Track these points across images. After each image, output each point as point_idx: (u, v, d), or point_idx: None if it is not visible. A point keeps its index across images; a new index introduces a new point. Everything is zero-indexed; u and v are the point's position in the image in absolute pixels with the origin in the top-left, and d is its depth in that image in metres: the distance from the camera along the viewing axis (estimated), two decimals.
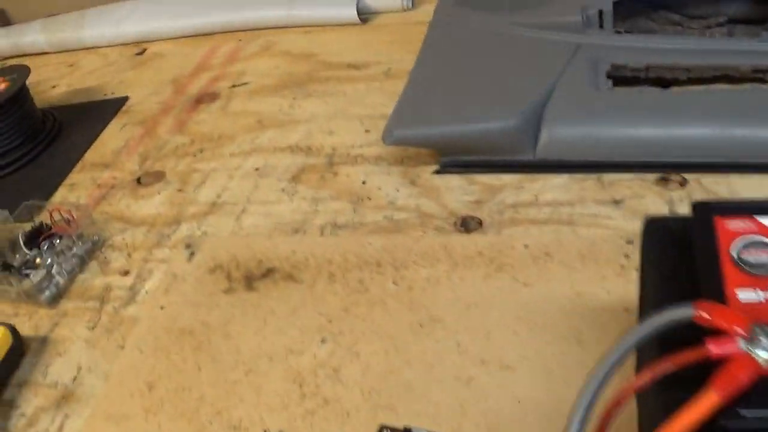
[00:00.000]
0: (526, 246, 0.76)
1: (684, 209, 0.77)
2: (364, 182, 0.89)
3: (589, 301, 0.70)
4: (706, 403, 0.38)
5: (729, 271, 0.45)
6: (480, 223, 0.80)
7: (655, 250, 0.53)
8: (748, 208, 0.49)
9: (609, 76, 0.86)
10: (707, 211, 0.49)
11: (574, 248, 0.75)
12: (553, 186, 0.82)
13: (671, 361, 0.41)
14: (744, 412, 0.38)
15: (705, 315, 0.41)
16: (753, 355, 0.39)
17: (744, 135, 0.77)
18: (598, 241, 0.75)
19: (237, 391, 0.69)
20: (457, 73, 0.93)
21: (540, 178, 0.84)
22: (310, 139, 0.99)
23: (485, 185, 0.84)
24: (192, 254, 0.84)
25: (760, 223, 0.47)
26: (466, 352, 0.68)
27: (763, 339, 0.39)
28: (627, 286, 0.70)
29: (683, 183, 0.79)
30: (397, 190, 0.86)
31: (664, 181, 0.80)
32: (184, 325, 0.76)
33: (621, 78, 0.87)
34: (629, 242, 0.74)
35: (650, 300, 0.51)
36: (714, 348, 0.40)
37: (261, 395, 0.68)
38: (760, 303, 0.43)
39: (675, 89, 0.84)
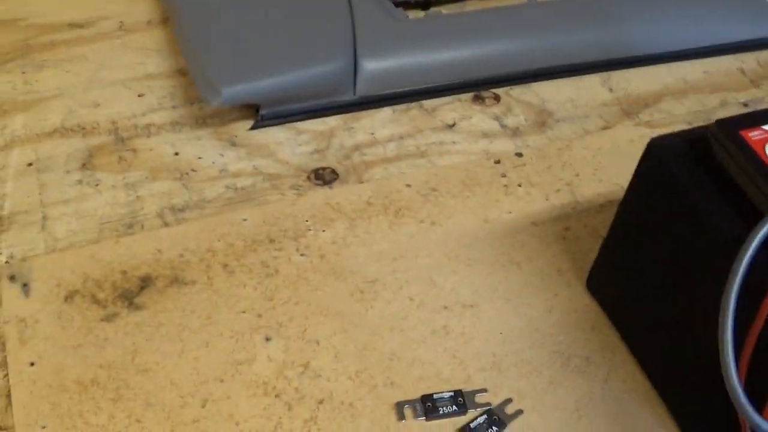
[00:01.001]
0: (408, 185, 0.75)
1: (510, 122, 0.83)
2: (176, 153, 0.77)
3: (498, 225, 0.73)
4: None
5: None
6: (334, 172, 0.76)
7: (683, 170, 0.57)
8: (760, 120, 0.56)
9: (396, 4, 0.86)
10: (732, 126, 0.55)
11: (453, 178, 0.76)
12: (382, 121, 0.81)
13: None
14: None
15: None
16: None
17: (537, 45, 0.85)
18: (470, 167, 0.77)
19: (206, 430, 0.58)
20: (248, 21, 0.84)
21: (363, 116, 0.82)
22: (76, 116, 0.81)
23: (314, 132, 0.79)
24: (25, 286, 0.65)
25: None
26: (424, 303, 0.66)
27: None
28: (520, 203, 0.75)
29: (497, 98, 0.85)
30: (222, 155, 0.76)
31: (479, 99, 0.84)
32: (77, 375, 0.60)
33: (400, 3, 0.88)
34: (497, 162, 0.78)
35: (704, 215, 0.55)
36: None
37: (240, 424, 0.58)
38: None
39: (470, 10, 0.88)
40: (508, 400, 0.62)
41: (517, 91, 0.86)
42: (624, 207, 0.64)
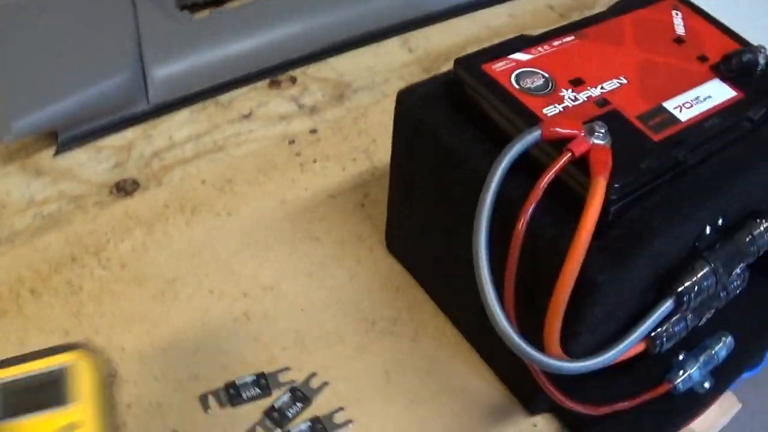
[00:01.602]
0: (203, 182, 0.77)
1: (307, 101, 0.85)
2: None
3: (296, 203, 0.75)
4: (600, 188, 0.48)
5: (526, 100, 0.55)
6: (135, 182, 0.77)
7: (431, 114, 0.59)
8: (500, 51, 0.59)
9: (181, 8, 0.87)
10: (473, 63, 0.58)
11: (248, 166, 0.78)
12: (180, 123, 0.83)
13: (548, 172, 0.49)
14: (617, 184, 0.50)
15: (551, 129, 0.51)
16: (600, 144, 0.51)
17: (327, 20, 0.87)
18: (265, 152, 0.79)
19: None
20: (29, 46, 0.83)
21: (161, 122, 0.83)
22: None
23: (114, 147, 0.80)
24: None
25: (515, 59, 0.59)
26: (224, 294, 0.69)
27: (597, 131, 0.51)
28: (317, 178, 0.77)
29: (293, 80, 0.86)
30: (28, 186, 0.77)
31: (275, 84, 0.86)
32: None
33: (187, 6, 0.89)
34: (291, 142, 0.80)
35: (453, 152, 0.58)
36: (575, 149, 0.50)
37: None
38: (566, 111, 0.55)
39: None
40: (312, 375, 0.64)
41: (314, 69, 0.88)
42: (393, 162, 0.66)
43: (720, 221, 0.57)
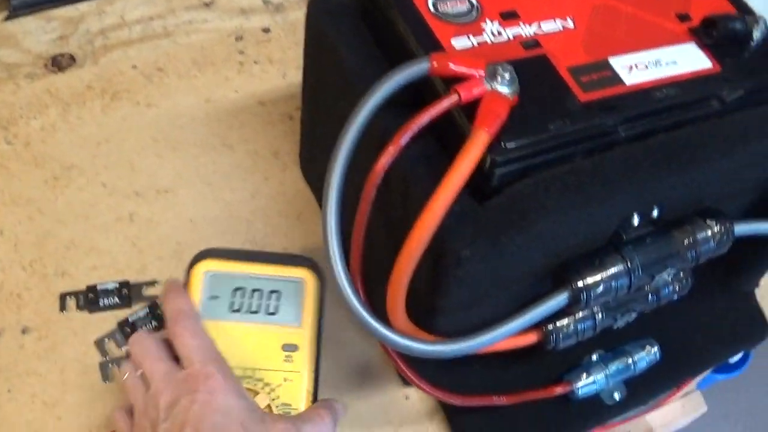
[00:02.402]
0: (134, 67, 0.72)
1: None
2: None
3: (221, 105, 0.70)
4: (477, 143, 0.40)
5: (439, 27, 0.47)
6: (72, 57, 0.73)
7: (335, 27, 0.51)
8: None
9: None
10: None
11: (185, 57, 0.73)
12: (136, 3, 0.77)
13: (425, 114, 0.41)
14: (509, 144, 0.41)
15: (442, 64, 0.42)
16: (498, 92, 0.42)
17: None
18: (208, 45, 0.73)
19: None
20: None
21: None
22: None
23: (64, 19, 0.76)
24: None
25: None
26: (116, 189, 0.64)
27: (501, 75, 0.42)
28: (253, 81, 0.71)
29: None
30: None
31: None
32: None
33: None
34: (239, 38, 0.74)
35: (349, 71, 0.50)
36: (463, 92, 0.41)
37: None
38: (479, 46, 0.46)
39: None
40: None
41: None
42: (304, 75, 0.59)
43: (655, 212, 0.47)
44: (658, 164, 0.45)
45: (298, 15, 0.77)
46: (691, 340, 0.60)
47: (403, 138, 0.41)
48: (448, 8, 0.48)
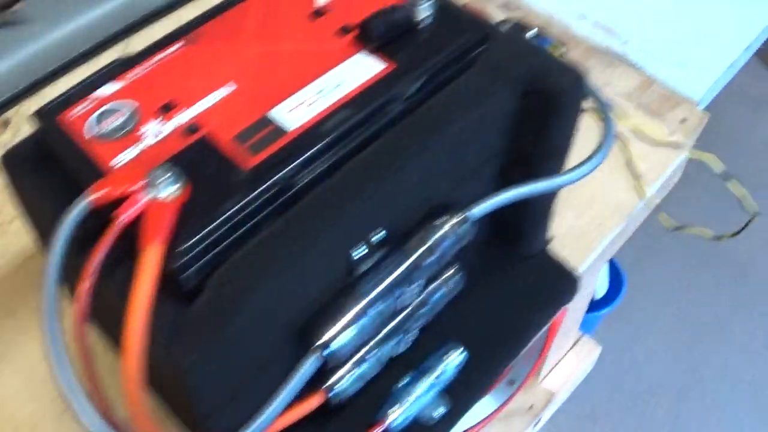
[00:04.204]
0: None
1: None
2: None
3: None
4: (149, 260, 0.39)
5: (99, 151, 0.45)
6: None
7: (29, 179, 0.49)
8: (80, 92, 0.48)
9: None
10: (49, 115, 0.47)
11: None
12: None
13: (95, 255, 0.40)
14: (183, 246, 0.40)
15: (100, 193, 0.41)
16: (161, 199, 0.41)
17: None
18: None
19: None
20: None
21: None
22: None
23: None
24: None
25: (98, 97, 0.48)
26: None
27: (160, 179, 0.41)
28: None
29: (6, 123, 0.76)
30: None
31: None
32: None
33: None
34: None
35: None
36: (123, 214, 0.40)
37: None
38: (140, 155, 0.44)
39: None
40: None
41: (25, 108, 0.78)
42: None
43: (379, 235, 0.46)
44: (352, 192, 0.44)
45: None
46: (498, 323, 0.59)
47: (88, 280, 0.40)
48: (106, 126, 0.46)
